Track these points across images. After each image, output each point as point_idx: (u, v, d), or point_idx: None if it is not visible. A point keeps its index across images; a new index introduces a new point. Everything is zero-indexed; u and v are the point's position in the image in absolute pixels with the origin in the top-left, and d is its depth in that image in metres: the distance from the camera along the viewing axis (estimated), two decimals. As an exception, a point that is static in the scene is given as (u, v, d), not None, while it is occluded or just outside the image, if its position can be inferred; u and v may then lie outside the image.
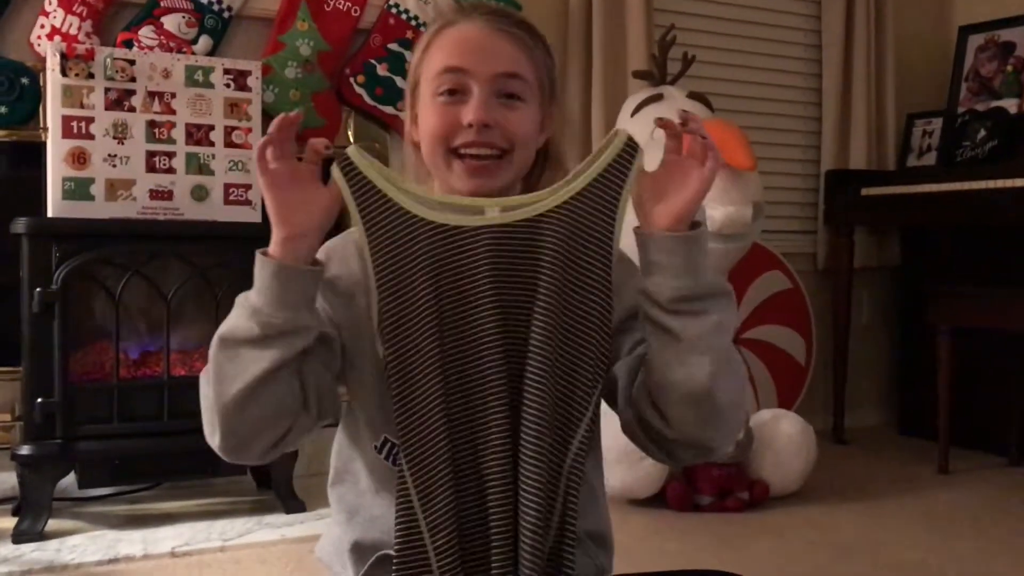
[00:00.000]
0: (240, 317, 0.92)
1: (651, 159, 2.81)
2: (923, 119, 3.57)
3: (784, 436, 2.56)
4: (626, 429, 1.01)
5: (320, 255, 1.02)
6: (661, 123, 0.96)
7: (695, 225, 0.95)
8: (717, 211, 2.45)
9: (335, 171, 0.94)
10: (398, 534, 0.92)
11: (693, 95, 2.78)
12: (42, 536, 2.13)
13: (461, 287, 0.93)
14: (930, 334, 3.03)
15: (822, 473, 2.68)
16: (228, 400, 0.90)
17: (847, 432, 3.41)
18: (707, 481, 2.47)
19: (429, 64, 1.04)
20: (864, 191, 3.36)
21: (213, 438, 0.93)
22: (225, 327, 0.93)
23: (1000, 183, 2.90)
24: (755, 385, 2.95)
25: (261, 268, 0.92)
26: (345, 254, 1.03)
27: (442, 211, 0.94)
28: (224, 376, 0.90)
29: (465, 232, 0.93)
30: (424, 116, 1.04)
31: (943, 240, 3.41)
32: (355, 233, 0.96)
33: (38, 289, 2.12)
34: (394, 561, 0.92)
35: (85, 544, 2.11)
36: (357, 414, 1.05)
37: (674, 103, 2.73)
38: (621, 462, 2.37)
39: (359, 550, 1.05)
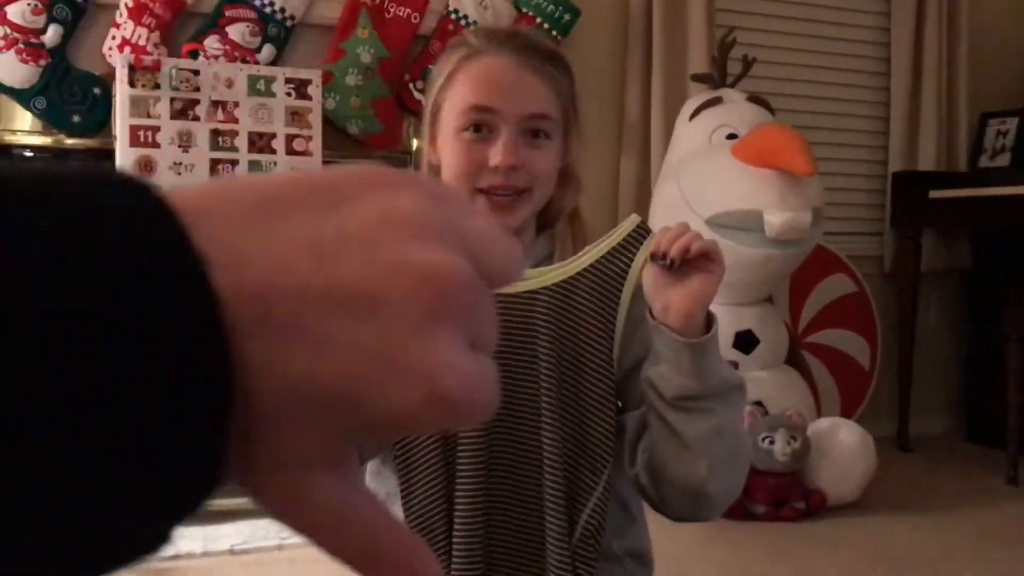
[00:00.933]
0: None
1: (711, 161, 2.76)
2: (998, 118, 3.46)
3: (842, 445, 2.52)
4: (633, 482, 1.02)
5: None
6: (654, 256, 0.91)
7: (709, 316, 0.93)
8: (775, 217, 2.42)
9: None
10: None
11: (753, 98, 2.75)
12: (110, 531, 2.22)
13: None
14: (1000, 339, 2.94)
15: (885, 482, 2.63)
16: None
17: (912, 439, 3.33)
18: (762, 490, 2.45)
19: (454, 95, 1.02)
20: (933, 193, 3.27)
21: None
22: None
23: (1076, 187, 2.80)
24: (817, 391, 2.91)
25: None
26: None
27: None
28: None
29: None
30: (448, 150, 1.03)
31: (1016, 243, 3.30)
32: None
33: (107, 293, 2.20)
34: None
35: (150, 540, 2.19)
36: None
37: (733, 106, 2.71)
38: (674, 469, 2.36)
39: None
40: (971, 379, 3.55)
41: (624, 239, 0.97)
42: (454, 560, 0.96)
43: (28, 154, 2.59)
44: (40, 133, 2.56)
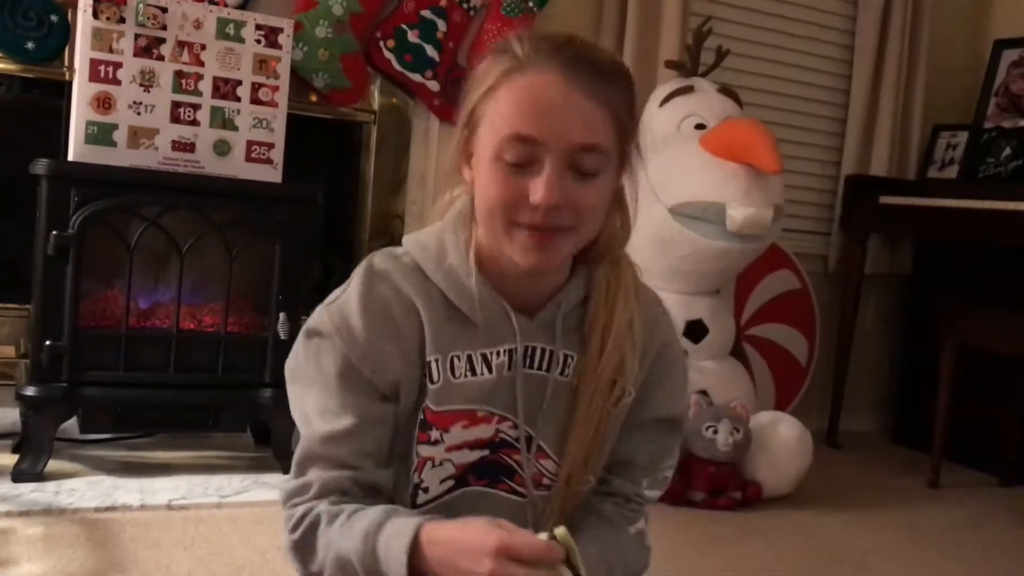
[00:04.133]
0: None
1: (678, 150, 2.75)
2: (949, 131, 3.54)
3: (781, 440, 2.57)
4: None
5: (357, 320, 0.95)
6: None
7: None
8: (738, 211, 2.44)
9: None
10: None
11: (723, 90, 2.76)
12: (41, 477, 2.14)
13: None
14: (933, 346, 3.04)
15: (814, 476, 2.68)
16: None
17: (841, 436, 3.43)
18: (701, 478, 2.49)
19: (494, 111, 0.91)
20: (883, 199, 3.34)
21: None
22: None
23: (1021, 205, 2.89)
24: (755, 383, 2.96)
25: None
26: (392, 321, 0.96)
27: None
28: None
29: None
30: (483, 174, 0.92)
31: (955, 254, 3.40)
32: (393, 276, 0.97)
33: (54, 232, 2.12)
34: None
35: (83, 489, 2.12)
36: None
37: (704, 96, 2.72)
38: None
39: None
40: (901, 382, 3.65)
41: None
42: None
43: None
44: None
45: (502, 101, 0.90)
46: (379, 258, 0.99)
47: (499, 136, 0.90)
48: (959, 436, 3.09)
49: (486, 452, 1.00)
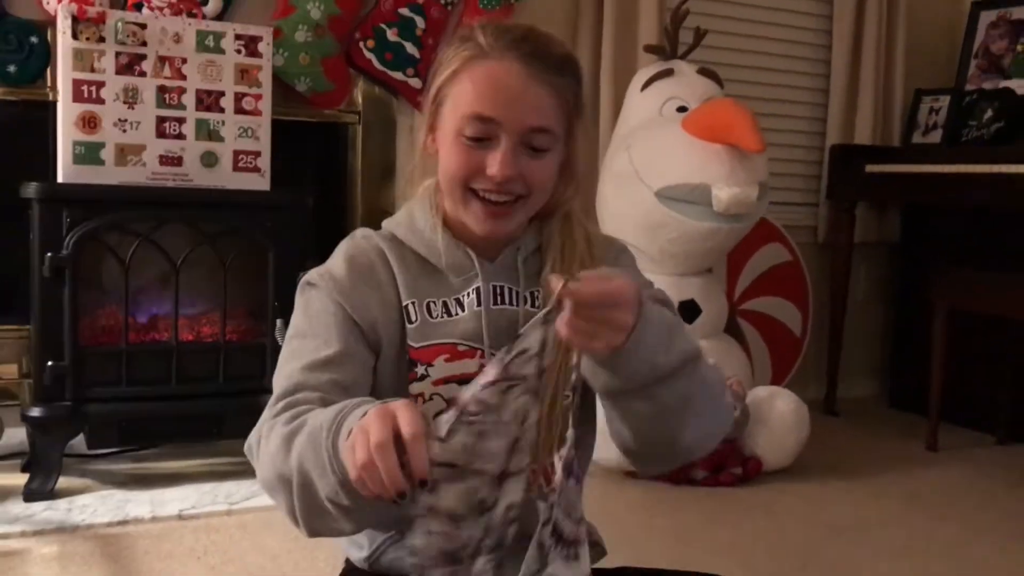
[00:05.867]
0: (324, 475, 0.86)
1: (661, 133, 2.76)
2: (931, 95, 3.56)
3: (778, 414, 2.61)
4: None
5: (341, 268, 1.07)
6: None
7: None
8: (723, 191, 2.47)
9: None
10: None
11: (703, 71, 2.77)
12: (52, 495, 2.18)
13: None
14: (925, 311, 3.07)
15: (813, 446, 2.72)
16: (314, 530, 0.93)
17: (838, 403, 3.47)
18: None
19: (457, 94, 1.02)
20: (868, 168, 3.36)
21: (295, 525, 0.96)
22: (303, 472, 0.88)
23: (1003, 168, 2.91)
24: (751, 356, 3.00)
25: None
26: (372, 270, 1.07)
27: None
28: (310, 519, 0.91)
29: None
30: (446, 148, 1.04)
31: (943, 219, 3.43)
32: (374, 238, 1.09)
33: (48, 254, 2.14)
34: None
35: (94, 504, 2.16)
36: None
37: (684, 79, 2.73)
38: (619, 436, 2.41)
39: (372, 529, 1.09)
40: (896, 347, 3.69)
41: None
42: None
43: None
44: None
45: (465, 84, 1.02)
46: (360, 230, 1.13)
47: (461, 114, 1.01)
48: (955, 397, 3.13)
49: None
